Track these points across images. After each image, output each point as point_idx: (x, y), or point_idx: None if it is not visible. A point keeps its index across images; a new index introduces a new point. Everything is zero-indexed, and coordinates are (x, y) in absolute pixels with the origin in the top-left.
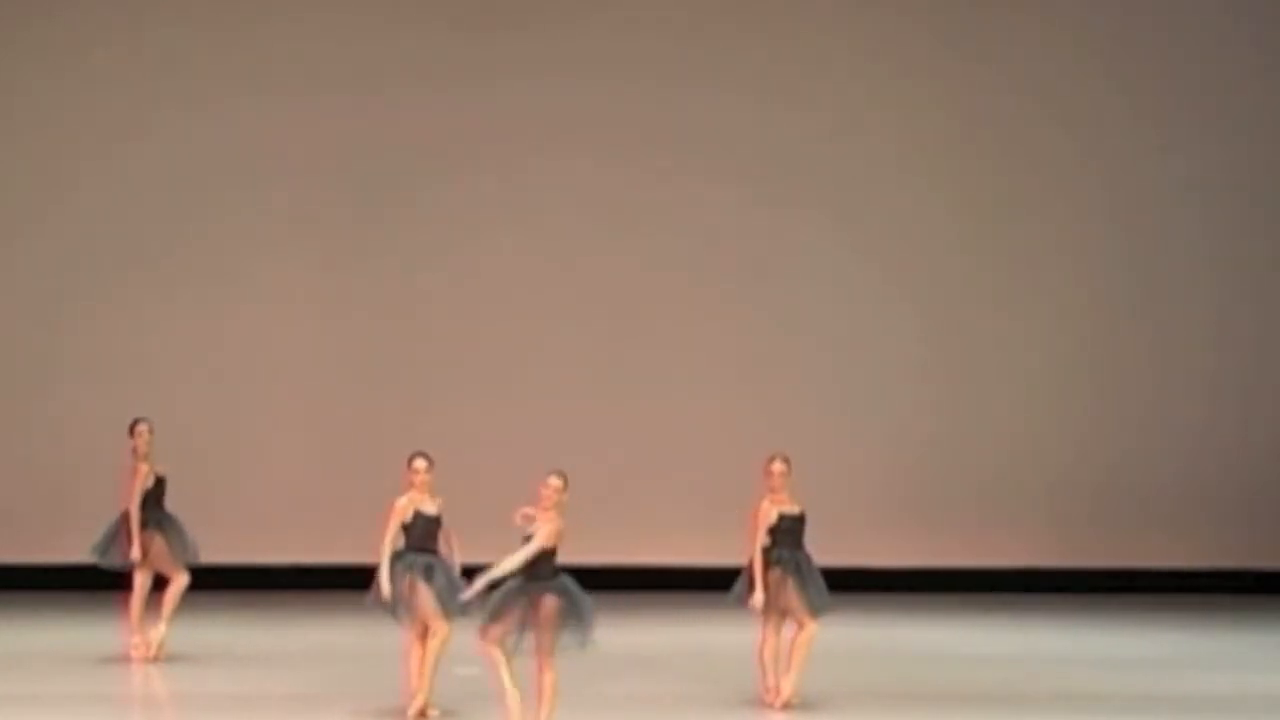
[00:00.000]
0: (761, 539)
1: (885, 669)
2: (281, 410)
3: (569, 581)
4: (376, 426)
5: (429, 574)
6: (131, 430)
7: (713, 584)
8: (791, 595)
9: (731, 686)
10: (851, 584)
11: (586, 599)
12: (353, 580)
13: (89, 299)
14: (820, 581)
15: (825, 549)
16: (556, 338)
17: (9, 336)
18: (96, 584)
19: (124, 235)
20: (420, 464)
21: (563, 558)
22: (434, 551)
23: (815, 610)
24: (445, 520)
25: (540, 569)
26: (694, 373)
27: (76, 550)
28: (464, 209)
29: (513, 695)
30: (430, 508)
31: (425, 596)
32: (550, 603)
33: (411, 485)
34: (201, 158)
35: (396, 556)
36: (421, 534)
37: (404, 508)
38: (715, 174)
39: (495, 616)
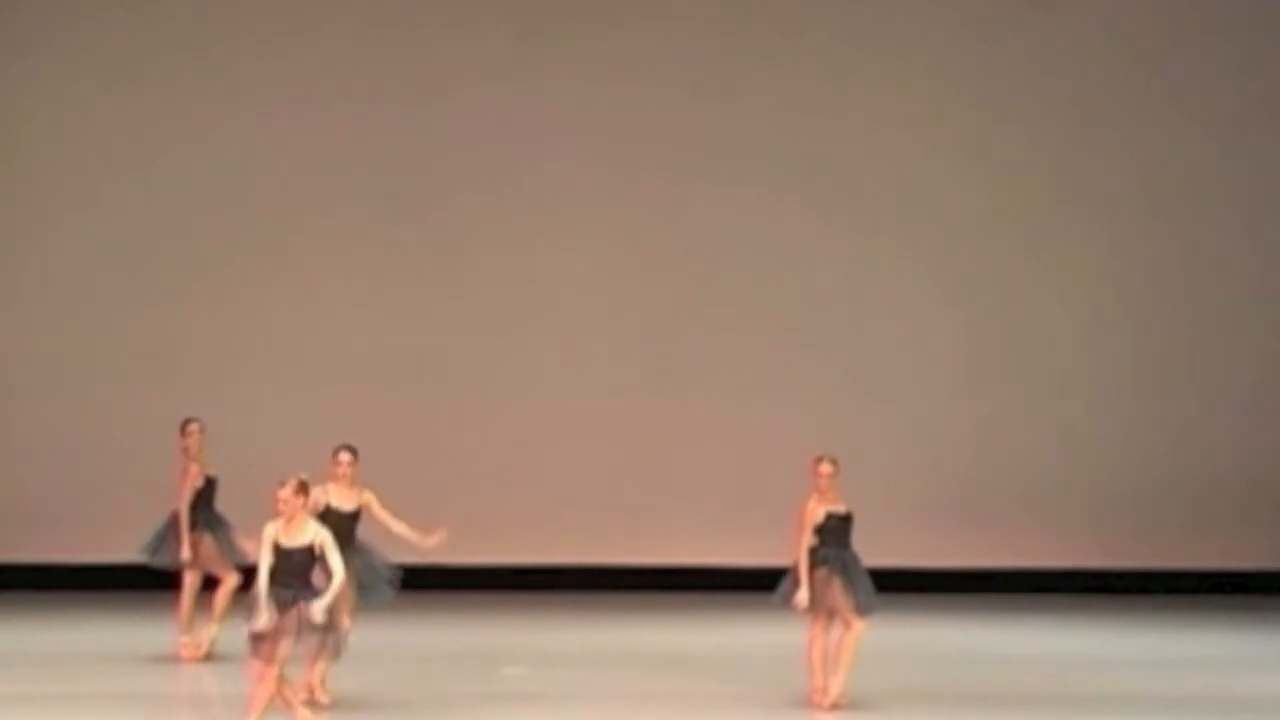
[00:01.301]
0: (808, 539)
1: (931, 669)
2: (327, 411)
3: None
4: (420, 428)
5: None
6: (183, 430)
7: (760, 584)
8: (838, 595)
9: (779, 687)
10: (897, 584)
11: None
12: (405, 580)
13: (136, 300)
14: (867, 581)
15: (870, 549)
16: (600, 341)
17: (57, 336)
18: (146, 584)
19: (172, 238)
20: (345, 456)
21: (611, 559)
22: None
23: (862, 610)
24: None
25: None
26: (738, 375)
27: (126, 550)
28: (506, 214)
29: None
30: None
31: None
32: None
33: (333, 478)
34: (248, 162)
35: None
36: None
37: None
38: (756, 179)
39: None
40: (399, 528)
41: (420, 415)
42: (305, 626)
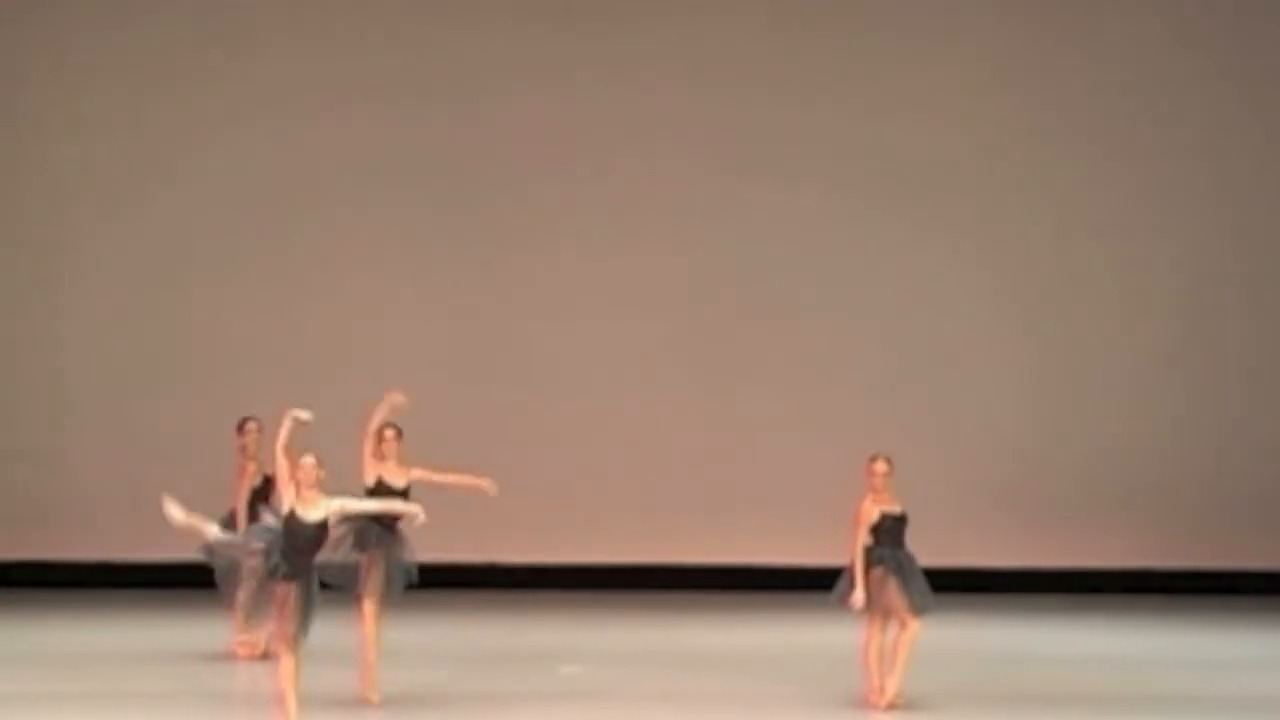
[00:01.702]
0: (863, 538)
1: (986, 669)
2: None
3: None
4: (469, 426)
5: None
6: (240, 429)
7: (814, 584)
8: (894, 594)
9: (834, 687)
10: (953, 584)
11: None
12: (456, 577)
13: (190, 300)
14: (923, 581)
15: (925, 549)
16: (652, 339)
17: (111, 337)
18: (204, 582)
19: (222, 237)
20: (390, 432)
21: (667, 559)
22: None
23: (918, 610)
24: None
25: None
26: (791, 373)
27: (184, 549)
28: (556, 211)
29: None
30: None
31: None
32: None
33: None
34: (297, 161)
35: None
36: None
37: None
38: (810, 176)
39: None
40: (454, 478)
41: (470, 414)
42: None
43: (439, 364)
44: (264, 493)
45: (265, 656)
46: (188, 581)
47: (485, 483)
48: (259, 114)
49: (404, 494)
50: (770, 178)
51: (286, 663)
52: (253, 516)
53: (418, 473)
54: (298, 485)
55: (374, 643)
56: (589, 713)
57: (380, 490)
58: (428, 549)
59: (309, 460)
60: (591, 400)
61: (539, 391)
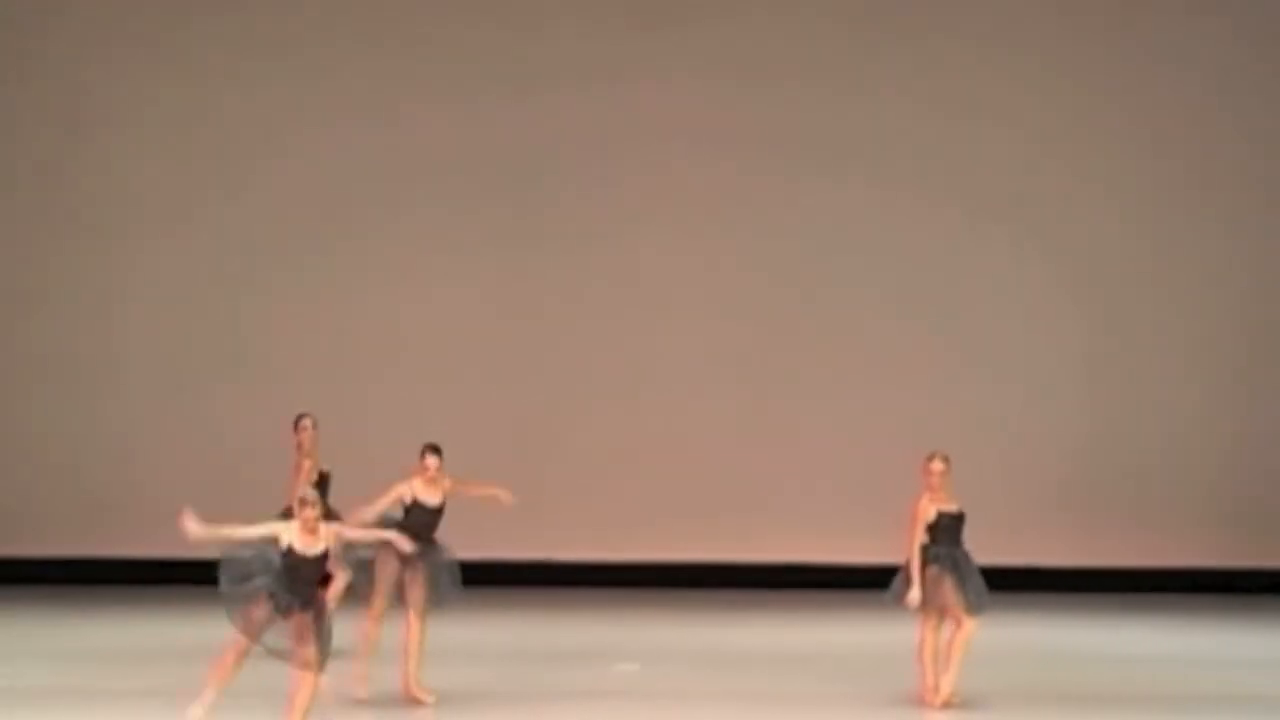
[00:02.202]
0: (920, 537)
1: (1043, 669)
2: (436, 406)
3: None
4: (525, 424)
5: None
6: (296, 425)
7: (870, 582)
8: (949, 593)
9: (889, 685)
10: (1010, 583)
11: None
12: (509, 575)
13: (246, 298)
14: (979, 580)
15: (983, 548)
16: (709, 336)
17: (168, 335)
18: None
19: (281, 235)
20: (433, 460)
21: (718, 556)
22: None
23: (973, 609)
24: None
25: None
26: (849, 370)
27: None
28: (615, 210)
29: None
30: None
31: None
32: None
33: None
34: (355, 159)
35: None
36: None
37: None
38: (868, 173)
39: None
40: (480, 490)
41: (525, 411)
42: (307, 633)
43: (487, 363)
44: (321, 489)
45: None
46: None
47: (502, 493)
48: (312, 117)
49: (438, 512)
50: (819, 174)
51: (309, 684)
52: None
53: (448, 484)
54: (303, 522)
55: (415, 653)
56: (641, 711)
57: (415, 509)
58: (481, 548)
59: (310, 495)
60: (643, 398)
61: (587, 390)
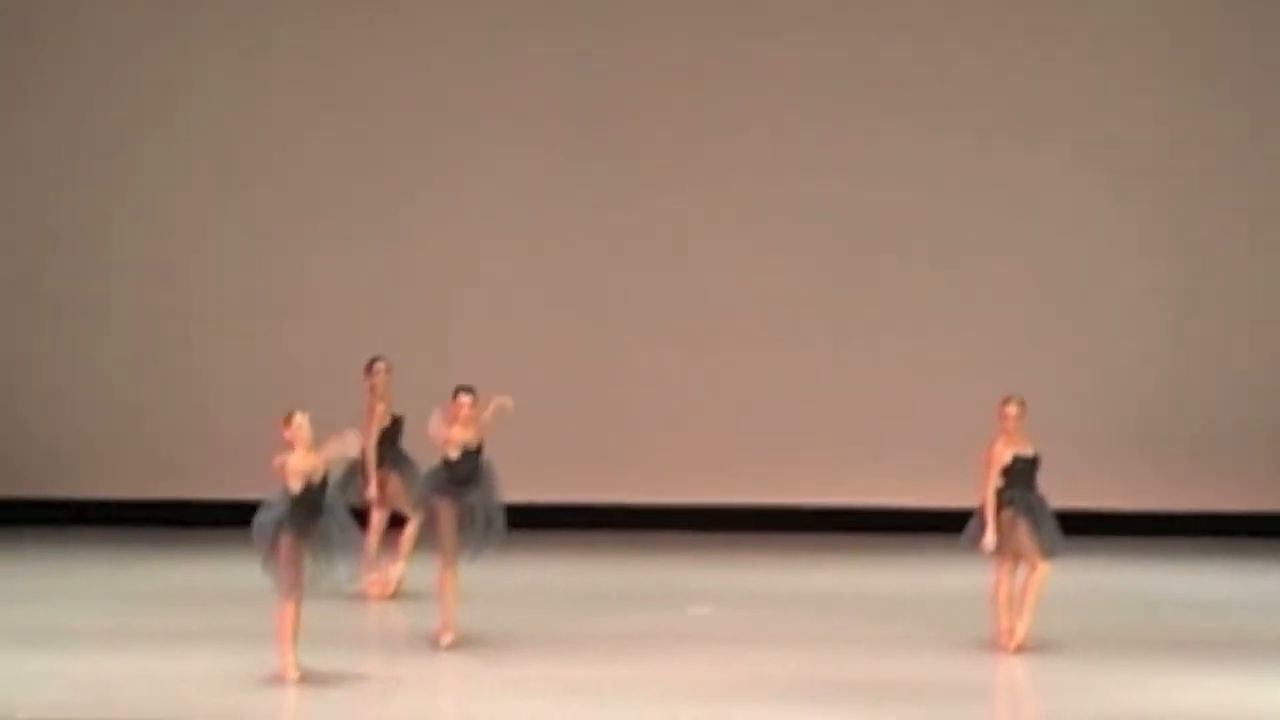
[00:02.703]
0: (995, 481)
1: (1119, 613)
2: (510, 352)
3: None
4: (602, 370)
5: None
6: (368, 369)
7: (944, 526)
8: (1023, 537)
9: (964, 629)
10: (1084, 527)
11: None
12: (588, 518)
13: (323, 243)
14: (1053, 524)
15: (1057, 491)
16: (783, 282)
17: (241, 280)
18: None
19: (356, 182)
20: (465, 399)
21: (793, 499)
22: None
23: (1047, 552)
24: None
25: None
26: (923, 315)
27: None
28: (692, 157)
29: None
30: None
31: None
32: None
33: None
34: (430, 106)
35: None
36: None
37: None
38: (943, 118)
39: None
40: (492, 408)
41: (602, 357)
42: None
43: (559, 309)
44: (393, 433)
45: (395, 596)
46: None
47: (503, 400)
48: (389, 63)
49: (478, 452)
50: (896, 122)
51: (289, 609)
52: (382, 457)
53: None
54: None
55: (448, 593)
56: (717, 653)
57: (465, 456)
58: (560, 490)
59: (300, 419)
60: (721, 345)
61: (671, 337)
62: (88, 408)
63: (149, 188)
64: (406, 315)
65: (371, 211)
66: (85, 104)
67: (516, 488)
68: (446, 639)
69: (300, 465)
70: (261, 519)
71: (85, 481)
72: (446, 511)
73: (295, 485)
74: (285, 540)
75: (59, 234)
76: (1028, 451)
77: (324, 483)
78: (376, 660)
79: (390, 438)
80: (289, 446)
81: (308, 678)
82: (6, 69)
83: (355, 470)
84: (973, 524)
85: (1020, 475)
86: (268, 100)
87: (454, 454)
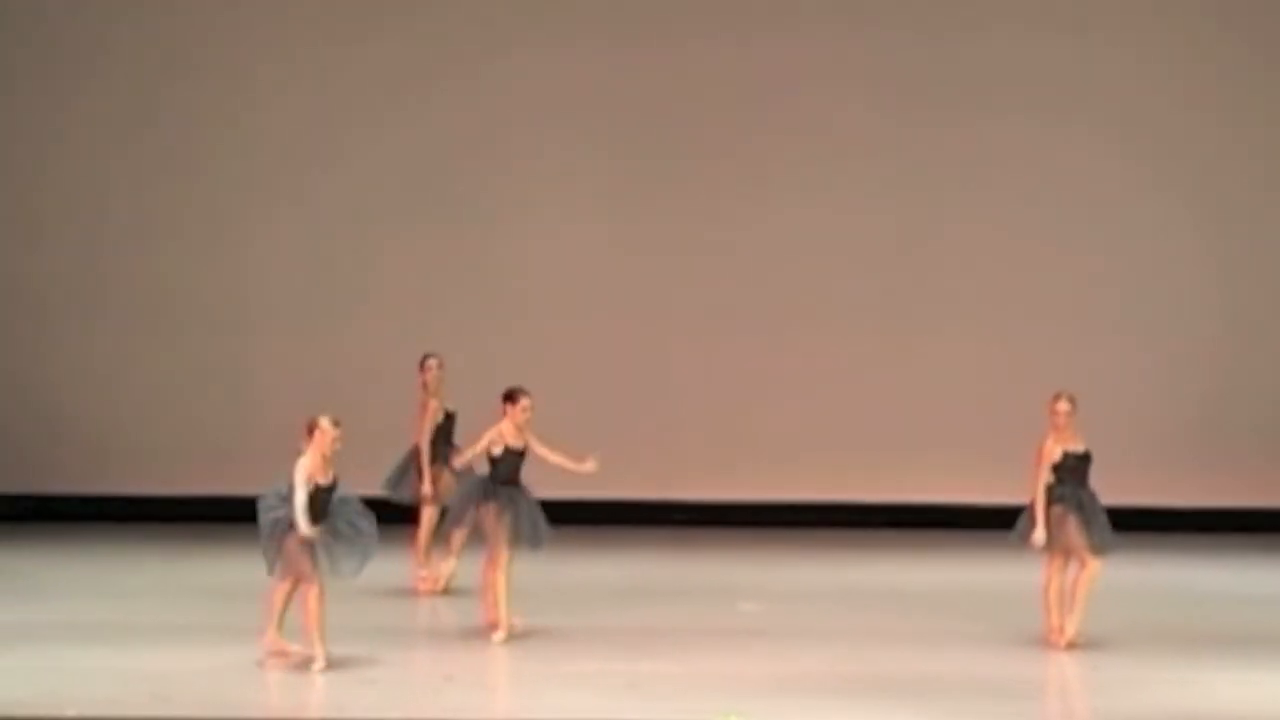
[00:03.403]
0: (1045, 477)
1: (1170, 609)
2: (568, 350)
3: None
4: (659, 366)
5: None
6: (422, 365)
7: (996, 523)
8: (1074, 533)
9: (1015, 625)
10: (1136, 523)
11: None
12: (638, 514)
13: (379, 241)
14: (1104, 520)
15: (1109, 488)
16: (841, 278)
17: (299, 276)
18: (387, 518)
19: (415, 182)
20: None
21: (846, 496)
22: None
23: (1098, 549)
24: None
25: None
26: (976, 311)
27: (367, 484)
28: (748, 155)
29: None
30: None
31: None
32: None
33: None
34: (491, 106)
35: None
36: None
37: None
38: (998, 111)
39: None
40: (556, 457)
41: (659, 353)
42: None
43: (628, 306)
44: (447, 429)
45: (445, 592)
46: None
47: (588, 464)
48: (451, 63)
49: (522, 454)
50: (951, 116)
51: (313, 596)
52: (435, 453)
53: (533, 441)
54: (324, 458)
55: (492, 587)
56: (766, 649)
57: (506, 455)
58: (608, 487)
59: (337, 432)
60: (777, 341)
61: (726, 333)
62: (144, 405)
63: (211, 184)
64: (460, 311)
65: (429, 213)
66: (148, 101)
67: (568, 485)
68: (499, 635)
69: (310, 470)
70: (265, 518)
71: (139, 478)
72: (490, 512)
73: (301, 491)
74: (292, 537)
75: (115, 234)
76: (1079, 448)
77: (333, 487)
78: (427, 655)
79: (444, 434)
80: (309, 448)
81: (336, 665)
82: (72, 67)
83: (408, 466)
84: (1023, 520)
85: (1071, 472)
86: (333, 96)
87: (497, 451)
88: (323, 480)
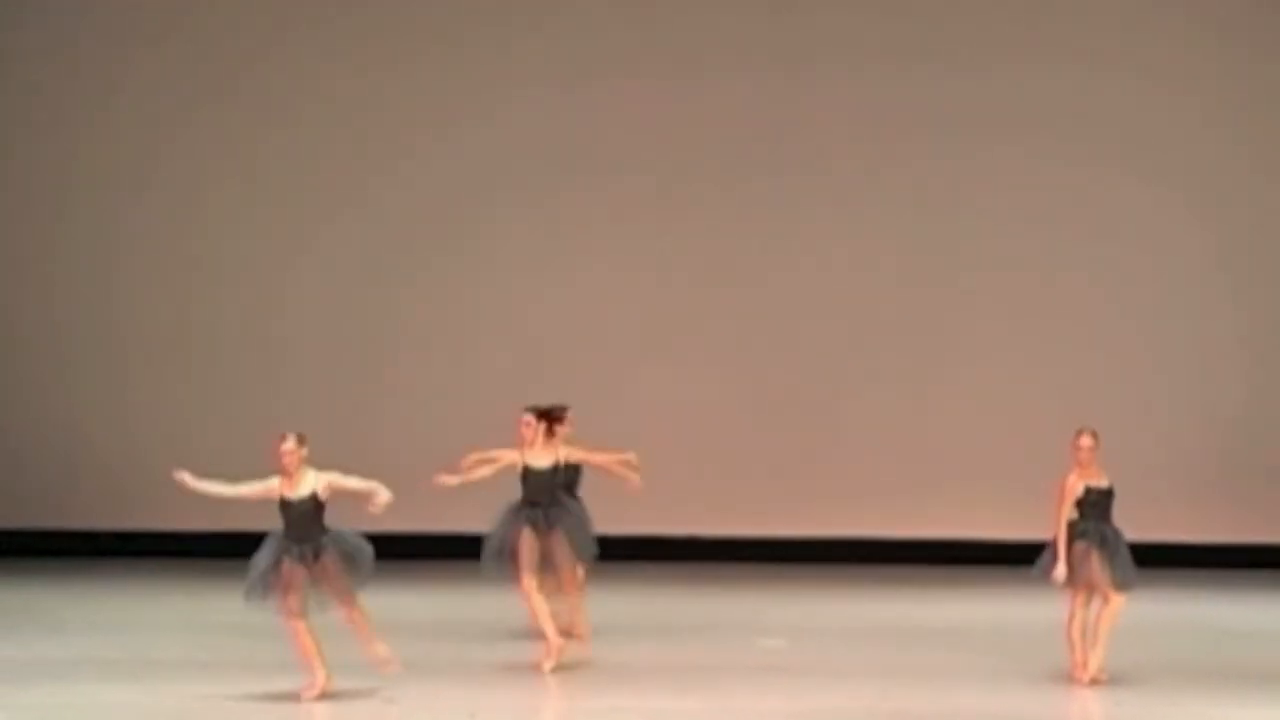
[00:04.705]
0: (1068, 513)
1: (1195, 645)
2: (604, 383)
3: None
4: (693, 406)
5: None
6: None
7: (1018, 558)
8: (1096, 569)
9: (1038, 661)
10: (1161, 559)
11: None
12: (657, 550)
13: (415, 274)
14: (1127, 556)
15: (1134, 523)
16: (862, 315)
17: (339, 312)
18: (411, 554)
19: (456, 214)
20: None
21: (869, 532)
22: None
23: (1120, 585)
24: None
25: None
26: (999, 347)
27: (395, 520)
28: (768, 194)
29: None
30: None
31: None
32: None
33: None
34: (529, 142)
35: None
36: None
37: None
38: (1022, 141)
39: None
40: (600, 458)
41: (678, 390)
42: (321, 575)
43: (661, 344)
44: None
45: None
46: (400, 554)
47: (630, 455)
48: (480, 98)
49: (552, 472)
50: (970, 153)
51: (299, 626)
52: None
53: (570, 452)
54: (286, 473)
55: (539, 612)
56: (790, 685)
57: (529, 475)
58: (629, 522)
59: (288, 446)
60: (803, 381)
61: (751, 373)
62: (166, 441)
63: (245, 227)
64: (505, 355)
65: (460, 247)
66: (167, 141)
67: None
68: (549, 664)
69: (278, 489)
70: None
71: (160, 514)
72: (523, 539)
73: (251, 484)
74: (283, 567)
75: (136, 272)
76: (1102, 483)
77: (317, 508)
78: (455, 690)
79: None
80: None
81: (346, 695)
82: (89, 106)
83: None
84: (1045, 555)
85: (1094, 507)
86: (366, 136)
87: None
88: (288, 494)
